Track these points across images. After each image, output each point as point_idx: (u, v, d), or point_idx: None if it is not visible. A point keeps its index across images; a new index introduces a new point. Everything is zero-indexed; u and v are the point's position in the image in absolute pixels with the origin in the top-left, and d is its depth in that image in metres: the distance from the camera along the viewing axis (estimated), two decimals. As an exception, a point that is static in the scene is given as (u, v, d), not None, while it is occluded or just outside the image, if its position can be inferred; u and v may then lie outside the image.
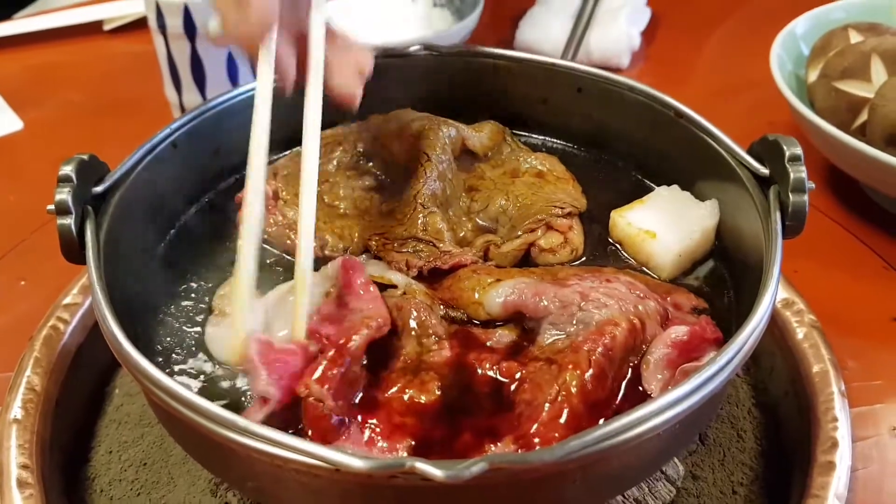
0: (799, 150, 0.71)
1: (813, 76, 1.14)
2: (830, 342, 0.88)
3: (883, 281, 1.01)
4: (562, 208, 0.82)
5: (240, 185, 0.88)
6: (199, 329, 0.75)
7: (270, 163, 0.91)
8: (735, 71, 1.45)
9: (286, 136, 0.91)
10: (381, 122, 0.90)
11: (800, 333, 0.88)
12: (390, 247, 0.79)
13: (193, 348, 0.73)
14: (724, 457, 0.84)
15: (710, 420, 0.86)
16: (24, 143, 1.31)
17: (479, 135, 0.90)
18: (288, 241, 0.81)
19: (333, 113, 0.93)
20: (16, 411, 0.82)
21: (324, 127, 0.92)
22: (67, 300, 0.93)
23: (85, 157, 0.71)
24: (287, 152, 0.92)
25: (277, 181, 0.87)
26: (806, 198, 0.70)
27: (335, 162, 0.89)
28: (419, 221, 0.80)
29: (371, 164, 0.89)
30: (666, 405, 0.56)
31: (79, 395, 0.90)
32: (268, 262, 0.81)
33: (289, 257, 0.81)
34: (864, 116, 1.04)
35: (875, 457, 0.81)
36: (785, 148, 0.71)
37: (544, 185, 0.86)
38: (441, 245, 0.78)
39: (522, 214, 0.82)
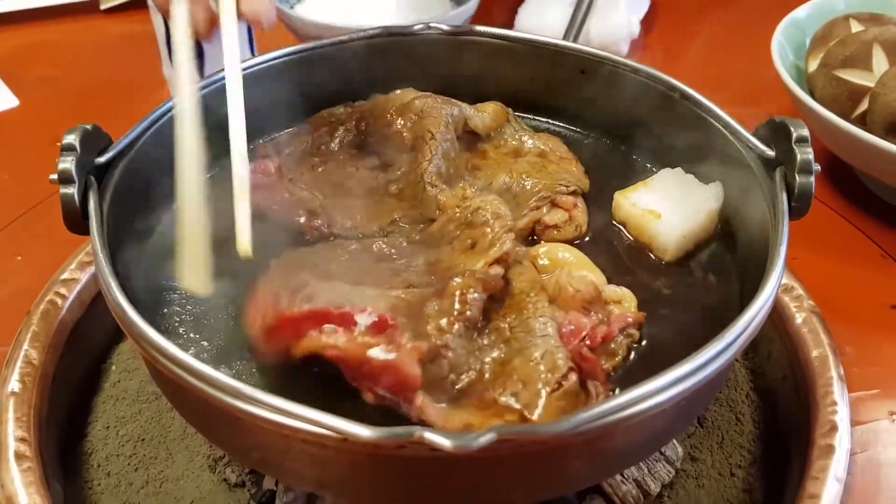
0: (806, 132, 0.71)
1: (813, 66, 1.14)
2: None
3: (880, 269, 1.01)
4: (566, 186, 0.82)
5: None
6: (200, 303, 0.74)
7: (272, 139, 0.91)
8: (733, 60, 1.45)
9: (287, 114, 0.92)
10: (384, 102, 0.90)
11: (799, 318, 0.88)
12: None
13: (194, 322, 0.73)
14: (722, 439, 0.85)
15: (712, 400, 0.86)
16: (19, 121, 1.30)
17: (482, 115, 0.90)
18: (297, 218, 0.80)
19: (334, 94, 0.94)
20: (13, 384, 0.81)
21: (326, 106, 0.93)
22: (65, 275, 0.92)
23: (88, 126, 0.71)
24: (286, 131, 0.92)
25: (281, 158, 0.86)
26: (812, 179, 0.70)
27: (338, 140, 0.89)
28: (433, 203, 0.79)
29: (374, 142, 0.89)
30: (672, 381, 0.56)
31: (76, 370, 0.89)
32: (269, 237, 0.80)
33: (291, 231, 0.80)
34: (864, 105, 1.05)
35: (873, 441, 0.81)
36: (792, 129, 0.71)
37: (547, 165, 0.86)
38: None
39: (527, 192, 0.82)
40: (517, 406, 0.61)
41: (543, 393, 0.61)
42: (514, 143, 0.90)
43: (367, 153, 0.88)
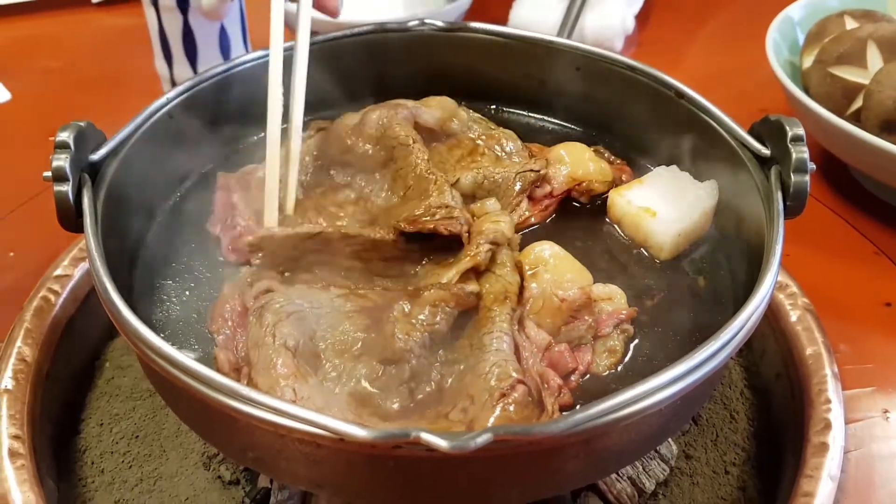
0: (801, 131, 0.71)
1: (808, 62, 1.14)
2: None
3: (874, 266, 1.01)
4: (532, 172, 0.83)
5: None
6: (195, 301, 0.74)
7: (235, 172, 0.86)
8: (728, 57, 1.45)
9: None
10: (337, 129, 0.86)
11: (793, 316, 0.89)
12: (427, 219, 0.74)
13: (189, 321, 0.72)
14: (716, 437, 0.85)
15: (707, 398, 0.86)
16: (11, 115, 1.29)
17: (430, 110, 0.88)
18: None
19: (327, 91, 0.92)
20: (6, 381, 0.81)
21: (319, 102, 0.90)
22: (58, 272, 0.92)
23: (82, 124, 0.70)
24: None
25: (240, 191, 0.82)
26: (807, 178, 0.70)
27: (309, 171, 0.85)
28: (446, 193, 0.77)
29: (334, 173, 0.85)
30: (668, 381, 0.56)
31: (69, 367, 0.89)
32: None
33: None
34: (858, 102, 1.05)
35: (867, 439, 0.81)
36: (787, 128, 0.71)
37: (502, 157, 0.86)
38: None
39: (500, 186, 0.82)
40: (465, 421, 0.61)
41: (489, 405, 0.60)
42: (467, 141, 0.87)
43: (336, 189, 0.84)
